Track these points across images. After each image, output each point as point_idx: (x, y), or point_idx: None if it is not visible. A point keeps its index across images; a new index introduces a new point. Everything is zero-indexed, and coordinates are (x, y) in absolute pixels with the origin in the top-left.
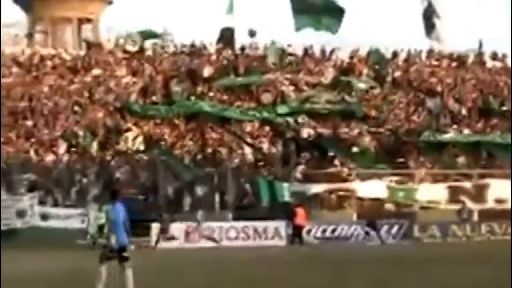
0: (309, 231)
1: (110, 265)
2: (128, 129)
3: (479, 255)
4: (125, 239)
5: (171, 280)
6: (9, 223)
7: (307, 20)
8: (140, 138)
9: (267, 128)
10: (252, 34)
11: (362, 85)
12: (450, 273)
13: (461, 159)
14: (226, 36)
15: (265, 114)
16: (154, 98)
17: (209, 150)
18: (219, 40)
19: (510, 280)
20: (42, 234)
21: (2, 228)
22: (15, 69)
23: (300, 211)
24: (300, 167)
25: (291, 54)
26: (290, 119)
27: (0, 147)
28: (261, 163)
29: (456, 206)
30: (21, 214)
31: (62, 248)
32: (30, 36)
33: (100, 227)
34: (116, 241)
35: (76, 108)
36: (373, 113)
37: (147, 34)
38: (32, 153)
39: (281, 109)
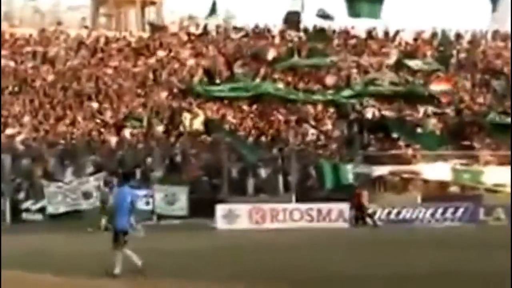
0: (373, 213)
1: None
2: (191, 111)
3: None
4: (126, 223)
5: (232, 261)
6: (75, 204)
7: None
8: (199, 119)
9: (331, 110)
10: (324, 15)
11: (425, 67)
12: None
13: None
14: (292, 20)
15: (329, 97)
16: (217, 80)
17: (273, 132)
18: (285, 23)
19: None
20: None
21: (69, 209)
22: (81, 52)
23: (363, 193)
24: (365, 150)
25: (354, 36)
26: (354, 101)
27: None
28: (325, 145)
29: None
30: (87, 195)
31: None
32: (94, 19)
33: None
34: (116, 225)
35: (141, 90)
36: (438, 95)
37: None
38: (97, 134)
39: (346, 92)
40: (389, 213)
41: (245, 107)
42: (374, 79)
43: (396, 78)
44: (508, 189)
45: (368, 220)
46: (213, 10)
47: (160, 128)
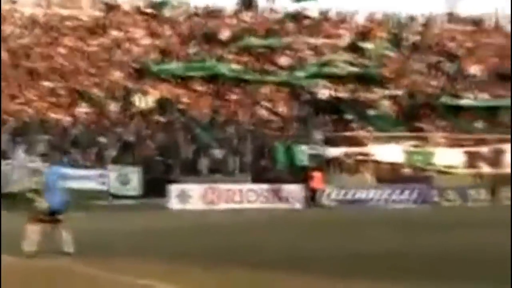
0: (328, 194)
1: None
2: (144, 89)
3: (495, 220)
4: (58, 202)
5: (185, 241)
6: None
7: None
8: (152, 97)
9: (285, 91)
10: None
11: (379, 50)
12: (466, 237)
13: (478, 124)
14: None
15: (284, 77)
16: (171, 60)
17: (227, 112)
18: (239, 3)
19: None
20: None
21: (20, 188)
22: (35, 30)
23: (316, 175)
24: (318, 130)
25: (308, 17)
26: (308, 82)
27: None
28: (278, 126)
29: (473, 171)
30: (38, 174)
31: (80, 209)
32: None
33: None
34: (47, 204)
35: (94, 69)
36: (391, 77)
37: None
38: (50, 114)
39: (299, 73)
40: (343, 194)
41: (199, 88)
42: (328, 61)
43: (351, 58)
44: (458, 171)
45: (323, 201)
46: None
47: (114, 108)
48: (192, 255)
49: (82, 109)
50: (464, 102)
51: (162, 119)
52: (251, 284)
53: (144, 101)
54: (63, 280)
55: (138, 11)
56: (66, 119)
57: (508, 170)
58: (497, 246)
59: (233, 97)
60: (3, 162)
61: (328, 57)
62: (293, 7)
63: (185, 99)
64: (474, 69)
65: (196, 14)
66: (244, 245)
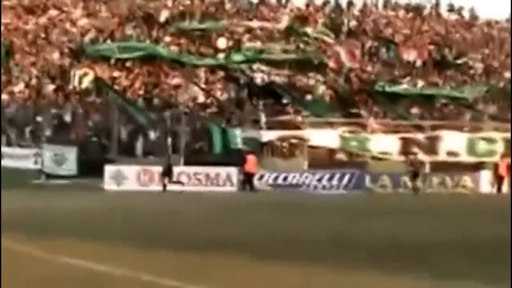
0: (260, 178)
1: None
2: (80, 69)
3: (428, 207)
4: None
5: (118, 222)
6: None
7: None
8: (89, 77)
9: (221, 74)
10: None
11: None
12: (397, 223)
13: (414, 111)
14: None
15: (220, 61)
16: (108, 41)
17: (163, 94)
18: None
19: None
20: None
21: None
22: None
23: (251, 158)
24: (253, 114)
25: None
26: (245, 66)
27: None
28: (214, 109)
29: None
30: None
31: (16, 188)
32: None
33: None
34: None
35: (31, 48)
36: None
37: None
38: None
39: (236, 57)
40: (276, 178)
41: (135, 69)
42: (265, 49)
43: (288, 46)
44: (393, 157)
45: (256, 184)
46: None
47: (50, 87)
48: (122, 236)
49: (18, 88)
50: (400, 88)
51: (98, 99)
52: (177, 266)
53: (81, 80)
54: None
55: None
56: (3, 98)
57: (443, 158)
58: (422, 233)
59: (170, 79)
60: None
61: (265, 46)
62: None
63: (121, 80)
64: (411, 56)
65: None
66: (173, 228)
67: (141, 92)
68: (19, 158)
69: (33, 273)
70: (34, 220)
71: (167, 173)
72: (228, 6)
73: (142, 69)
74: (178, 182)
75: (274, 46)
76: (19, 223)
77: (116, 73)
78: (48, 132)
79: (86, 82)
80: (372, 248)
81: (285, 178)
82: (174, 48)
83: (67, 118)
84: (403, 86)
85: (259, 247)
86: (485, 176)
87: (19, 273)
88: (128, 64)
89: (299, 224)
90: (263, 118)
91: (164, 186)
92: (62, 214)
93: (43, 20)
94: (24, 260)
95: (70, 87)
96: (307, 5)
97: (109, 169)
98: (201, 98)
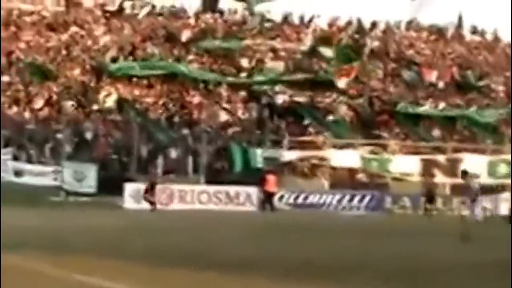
0: (281, 197)
1: None
2: (105, 88)
3: (447, 229)
4: None
5: (135, 240)
6: None
7: None
8: (112, 97)
9: (242, 93)
10: None
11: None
12: (414, 245)
13: (435, 133)
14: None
15: (242, 80)
16: (131, 58)
17: (185, 112)
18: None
19: None
20: (16, 190)
21: None
22: None
23: (271, 178)
24: (275, 134)
25: (269, 21)
26: (267, 87)
27: None
28: (235, 128)
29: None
30: None
31: (35, 204)
32: None
33: None
34: None
35: (54, 65)
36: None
37: None
38: (7, 109)
39: (259, 78)
40: (296, 197)
41: (157, 87)
42: (288, 70)
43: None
44: (414, 179)
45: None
46: None
47: (71, 104)
48: (138, 254)
49: (39, 105)
50: (422, 110)
51: (119, 117)
52: (193, 285)
53: (105, 100)
54: (12, 277)
55: (100, 8)
56: (23, 114)
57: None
58: (435, 256)
59: (191, 98)
60: None
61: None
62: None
63: (142, 98)
64: (433, 77)
65: (160, 14)
66: (191, 247)
67: (163, 110)
68: (39, 175)
69: None
70: (51, 238)
71: (149, 190)
72: (251, 25)
73: (163, 87)
74: (150, 202)
75: (297, 67)
76: (36, 241)
77: (137, 91)
78: (68, 149)
79: (110, 102)
80: (385, 270)
81: (305, 198)
82: (196, 67)
83: (88, 135)
84: (425, 108)
85: (276, 268)
86: (505, 199)
87: None
88: (149, 82)
89: (316, 246)
90: (284, 138)
91: (153, 203)
92: (80, 231)
93: (65, 37)
94: (38, 277)
95: (94, 107)
96: (330, 26)
97: (129, 187)
98: (222, 117)
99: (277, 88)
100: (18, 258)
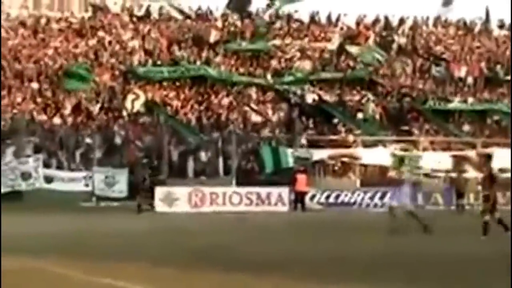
0: (312, 197)
1: None
2: (132, 92)
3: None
4: None
5: (166, 243)
6: (14, 185)
7: None
8: (140, 100)
9: (271, 94)
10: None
11: (368, 56)
12: (444, 241)
13: (466, 128)
14: (240, 3)
15: (271, 81)
16: (159, 62)
17: (214, 114)
18: (229, 4)
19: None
20: (47, 196)
21: (8, 190)
22: (21, 31)
23: (301, 177)
24: (305, 133)
25: (297, 20)
26: (295, 87)
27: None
28: (265, 129)
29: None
30: (26, 176)
31: (66, 210)
32: None
33: None
34: None
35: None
36: (379, 80)
37: None
38: (37, 115)
39: (287, 78)
40: (328, 196)
41: (186, 90)
42: (316, 69)
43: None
44: (445, 175)
45: (307, 203)
46: None
47: (99, 109)
48: (171, 257)
49: (68, 111)
50: (451, 105)
51: (148, 121)
52: (224, 287)
53: (133, 104)
54: (39, 281)
55: (127, 12)
56: (53, 121)
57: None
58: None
59: (220, 99)
60: None
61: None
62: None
63: (172, 101)
64: (461, 73)
65: (188, 17)
66: (223, 248)
67: (192, 113)
68: (70, 181)
69: None
70: (83, 243)
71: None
72: (278, 25)
73: (192, 90)
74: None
75: (325, 66)
76: (68, 246)
77: (166, 94)
78: (98, 155)
79: (138, 106)
80: (412, 267)
81: (337, 197)
82: (224, 69)
83: (118, 140)
84: (454, 103)
85: (308, 267)
86: None
87: None
88: (178, 85)
89: (349, 244)
90: (314, 137)
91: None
92: (111, 236)
93: (92, 42)
94: (65, 282)
95: (124, 113)
96: (358, 24)
97: (159, 191)
98: (252, 118)
99: (306, 87)
100: (49, 263)
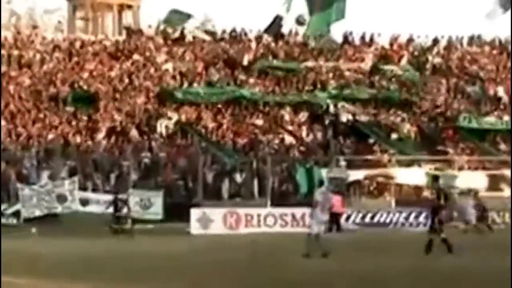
0: (348, 217)
1: None
2: (167, 115)
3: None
4: None
5: (202, 265)
6: (50, 207)
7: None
8: (172, 121)
9: (306, 114)
10: (300, 22)
11: (400, 72)
12: (480, 261)
13: (502, 147)
14: (276, 24)
15: (305, 97)
16: (194, 84)
17: (248, 135)
18: (268, 28)
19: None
20: (82, 219)
21: (44, 212)
22: (56, 55)
23: (336, 198)
24: (340, 154)
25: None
26: (329, 103)
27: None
28: (299, 149)
29: (496, 194)
30: (61, 199)
31: (102, 233)
32: (71, 22)
33: None
34: None
35: (117, 94)
36: (413, 100)
37: (181, 16)
38: (72, 138)
39: (321, 94)
40: (363, 216)
41: (220, 111)
42: (349, 84)
43: (372, 85)
44: (481, 194)
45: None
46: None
47: (135, 132)
48: (208, 280)
49: (103, 134)
50: (487, 124)
51: (183, 143)
52: None
53: (168, 126)
54: None
55: (161, 35)
56: (88, 143)
57: None
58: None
59: (254, 120)
60: (27, 187)
61: (347, 81)
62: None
63: (206, 123)
64: (499, 92)
65: (222, 39)
66: (259, 269)
67: (227, 134)
68: (105, 203)
69: None
70: (119, 266)
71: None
72: (312, 46)
73: (227, 111)
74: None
75: (357, 83)
76: (104, 269)
77: (200, 116)
78: (134, 177)
79: (171, 125)
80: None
81: (372, 217)
82: (258, 90)
83: (153, 162)
84: (490, 122)
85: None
86: None
87: None
88: (212, 106)
89: (384, 263)
90: (349, 158)
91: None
92: (148, 259)
93: (127, 65)
94: None
95: (156, 135)
96: (391, 44)
97: (195, 212)
98: (286, 139)
99: (340, 105)
100: (88, 286)
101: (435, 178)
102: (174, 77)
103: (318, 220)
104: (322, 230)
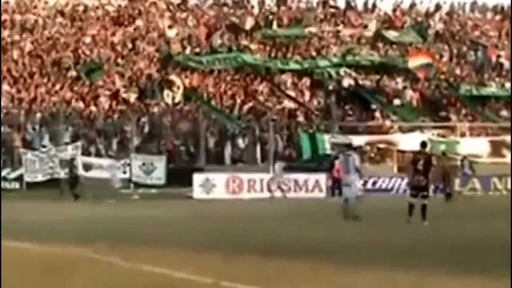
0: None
1: None
2: (171, 81)
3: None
4: None
5: (204, 230)
6: (53, 172)
7: None
8: (180, 90)
9: (308, 80)
10: None
11: (406, 38)
12: (484, 226)
13: (503, 113)
14: None
15: (306, 65)
16: (196, 49)
17: (251, 101)
18: None
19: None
20: (85, 184)
21: (47, 177)
22: (59, 20)
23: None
24: (342, 120)
25: (333, 7)
26: (332, 70)
27: None
28: (302, 115)
29: (498, 160)
30: (64, 164)
31: (104, 197)
32: None
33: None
34: None
35: (119, 59)
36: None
37: None
38: (75, 103)
39: (322, 62)
40: (365, 182)
41: (222, 77)
42: (351, 49)
43: (374, 51)
44: (483, 160)
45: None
46: None
47: (137, 97)
48: (210, 244)
49: (105, 100)
50: (489, 91)
51: (186, 108)
52: (262, 273)
53: (174, 95)
54: (81, 268)
55: (164, 0)
56: (90, 109)
57: None
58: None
59: (257, 86)
60: (29, 152)
61: (349, 46)
62: None
63: (209, 89)
64: (501, 58)
65: (224, 4)
66: (260, 234)
67: (229, 99)
68: (108, 168)
69: (114, 282)
70: (120, 230)
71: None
72: (315, 11)
73: (229, 76)
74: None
75: (360, 49)
76: (105, 233)
77: (204, 82)
78: (136, 142)
79: (178, 97)
80: (449, 250)
81: (374, 183)
82: (260, 55)
83: (155, 127)
84: (492, 89)
85: (346, 253)
86: None
87: (100, 282)
88: (215, 72)
89: (386, 229)
90: (351, 123)
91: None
92: (149, 223)
93: (130, 30)
94: (106, 269)
95: (162, 104)
96: (394, 10)
97: (197, 178)
98: (288, 105)
99: (342, 71)
100: (88, 249)
101: (422, 144)
102: (177, 43)
103: (346, 183)
104: (353, 193)
